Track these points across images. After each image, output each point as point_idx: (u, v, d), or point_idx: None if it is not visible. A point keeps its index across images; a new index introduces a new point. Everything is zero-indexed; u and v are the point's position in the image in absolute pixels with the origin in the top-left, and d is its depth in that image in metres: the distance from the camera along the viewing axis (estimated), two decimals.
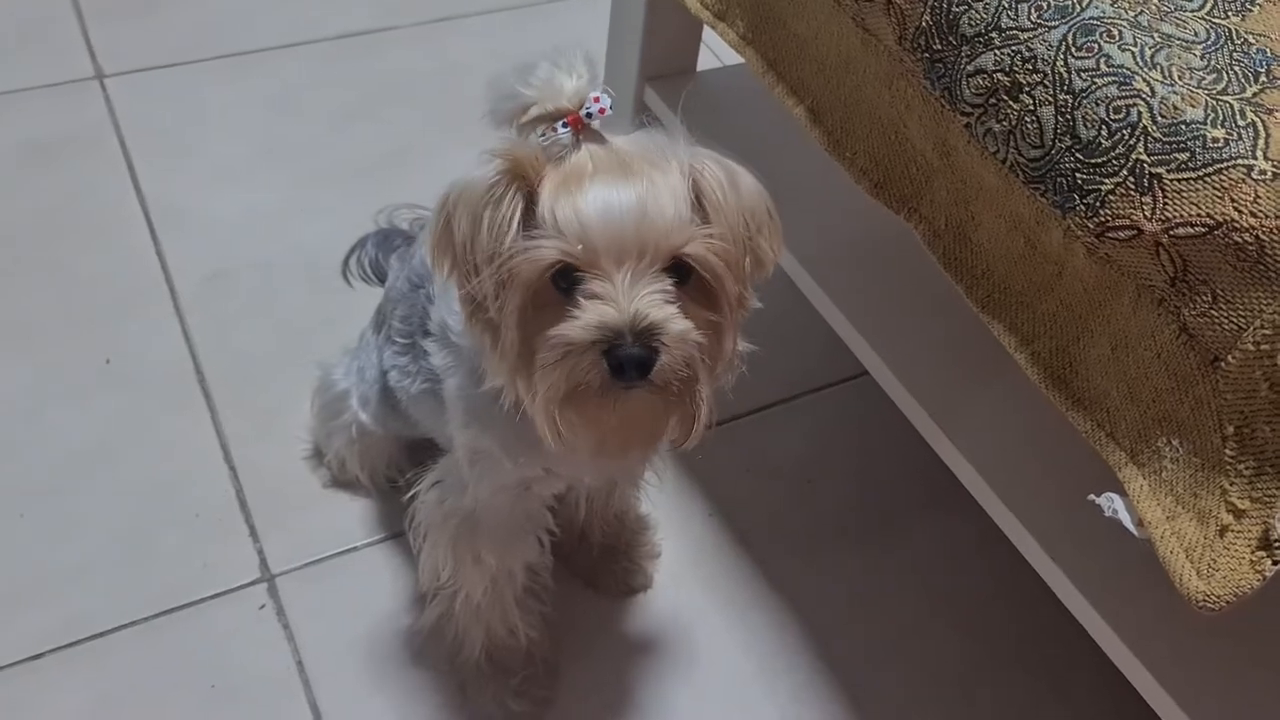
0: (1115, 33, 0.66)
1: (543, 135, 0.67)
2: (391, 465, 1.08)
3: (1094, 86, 0.65)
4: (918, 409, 0.92)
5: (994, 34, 0.70)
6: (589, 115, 0.66)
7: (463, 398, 0.81)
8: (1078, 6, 0.67)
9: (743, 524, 1.13)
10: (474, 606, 0.91)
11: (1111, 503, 0.66)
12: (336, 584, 1.03)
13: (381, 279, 1.07)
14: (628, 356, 0.62)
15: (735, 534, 1.12)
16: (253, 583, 1.03)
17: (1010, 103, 0.69)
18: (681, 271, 0.65)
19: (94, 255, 1.29)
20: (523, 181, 0.65)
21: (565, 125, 0.66)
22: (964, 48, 0.72)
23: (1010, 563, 0.91)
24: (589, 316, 0.63)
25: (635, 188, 0.63)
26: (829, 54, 0.85)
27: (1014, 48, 0.69)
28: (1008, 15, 0.69)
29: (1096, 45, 0.65)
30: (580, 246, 0.63)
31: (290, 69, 1.58)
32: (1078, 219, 0.66)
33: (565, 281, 0.64)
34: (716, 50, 1.38)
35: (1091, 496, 0.67)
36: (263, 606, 1.01)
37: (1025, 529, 0.85)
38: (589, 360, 0.63)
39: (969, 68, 0.71)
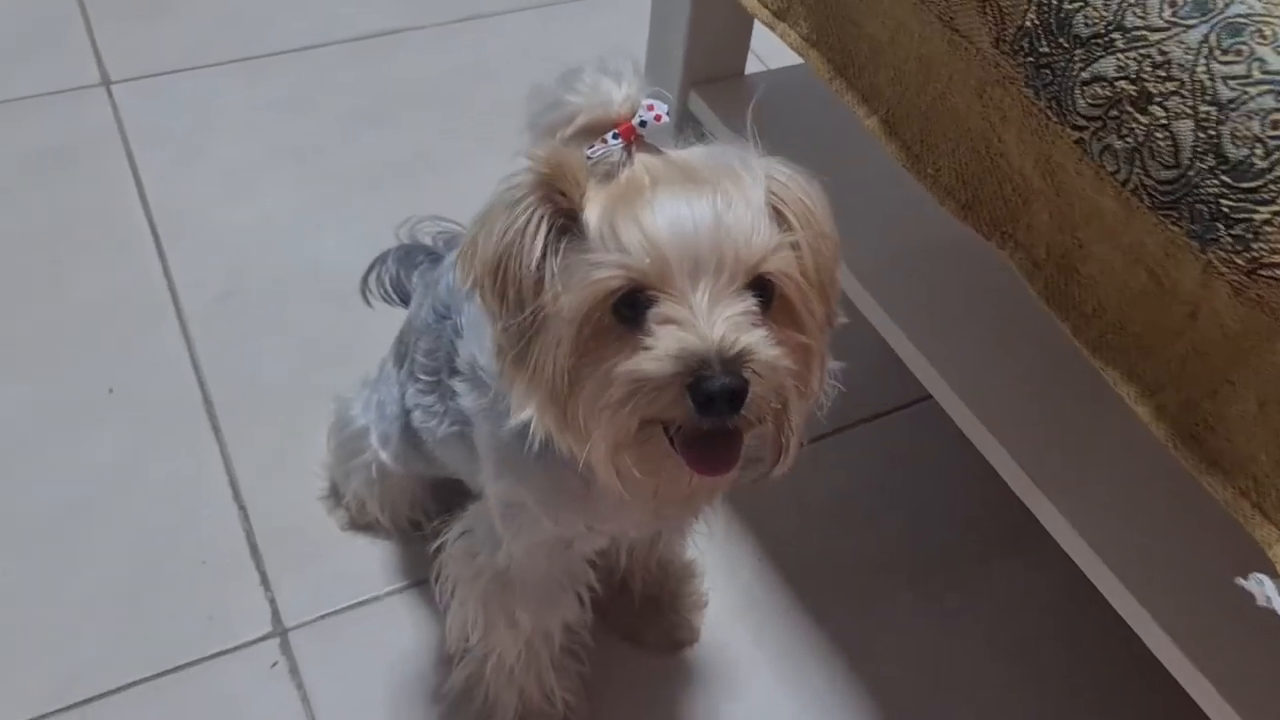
0: (1269, 33, 0.56)
1: (590, 148, 0.59)
2: (415, 507, 1.01)
3: (1245, 97, 0.55)
4: (998, 449, 0.83)
5: (1116, 35, 0.60)
6: (643, 124, 0.59)
7: (496, 447, 0.73)
8: (1220, 2, 0.58)
9: (794, 568, 1.05)
10: (507, 670, 0.85)
11: (1262, 586, 0.56)
12: (355, 638, 0.96)
13: (404, 298, 0.99)
14: (721, 389, 0.53)
15: (786, 579, 1.04)
16: (264, 637, 0.96)
17: (1136, 115, 0.59)
18: (764, 291, 0.57)
19: (97, 272, 1.23)
20: (558, 194, 0.57)
21: (616, 136, 0.59)
22: (1078, 51, 0.62)
23: (1086, 608, 0.83)
24: (667, 344, 0.54)
25: (706, 197, 0.56)
26: (908, 58, 0.76)
27: (1142, 50, 0.59)
28: (1134, 13, 0.60)
29: (1246, 47, 0.56)
30: (648, 260, 0.55)
31: (303, 72, 1.51)
32: (1222, 253, 0.56)
33: (629, 308, 0.56)
34: (759, 52, 1.28)
35: (1239, 580, 0.57)
36: (275, 664, 0.94)
37: (1119, 581, 0.75)
38: (669, 396, 0.55)
39: (1084, 74, 0.62)
